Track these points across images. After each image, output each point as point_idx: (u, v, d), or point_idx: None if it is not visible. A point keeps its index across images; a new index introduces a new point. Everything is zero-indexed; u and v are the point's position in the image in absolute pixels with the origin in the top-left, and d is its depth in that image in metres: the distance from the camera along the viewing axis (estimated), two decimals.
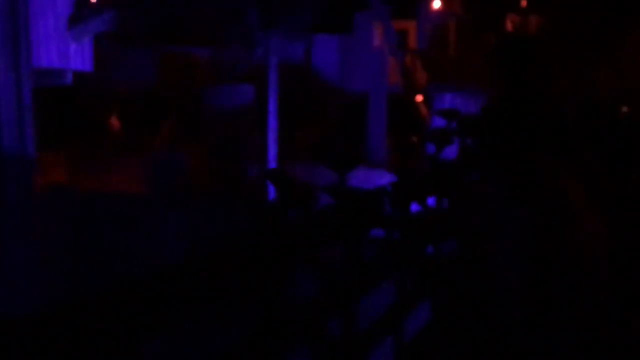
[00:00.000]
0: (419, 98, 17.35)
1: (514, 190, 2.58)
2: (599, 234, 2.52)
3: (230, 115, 13.01)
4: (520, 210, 2.54)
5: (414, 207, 7.40)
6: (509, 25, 16.08)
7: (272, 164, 10.60)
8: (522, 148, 2.66)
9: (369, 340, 5.12)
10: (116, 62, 14.47)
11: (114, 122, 16.62)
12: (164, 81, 16.43)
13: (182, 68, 16.79)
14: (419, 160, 11.15)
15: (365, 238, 6.20)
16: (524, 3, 16.25)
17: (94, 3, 9.32)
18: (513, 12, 16.21)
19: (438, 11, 17.69)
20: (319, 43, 18.63)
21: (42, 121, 12.83)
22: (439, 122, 12.93)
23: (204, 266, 5.18)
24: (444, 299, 6.44)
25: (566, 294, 2.49)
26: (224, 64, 16.27)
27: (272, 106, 10.88)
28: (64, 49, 9.37)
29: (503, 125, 2.58)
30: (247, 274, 5.27)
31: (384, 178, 9.38)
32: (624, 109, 9.84)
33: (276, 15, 15.04)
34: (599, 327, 2.43)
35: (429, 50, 17.06)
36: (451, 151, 9.21)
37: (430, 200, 7.49)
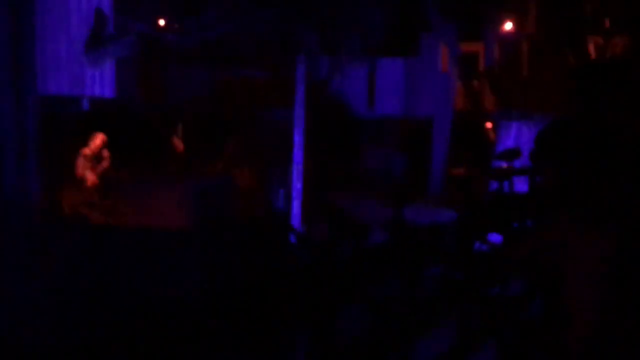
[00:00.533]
0: (488, 124, 17.10)
1: (593, 224, 2.48)
2: None
3: (283, 139, 13.11)
4: (600, 245, 2.45)
5: (477, 244, 7.28)
6: (591, 48, 15.59)
7: (296, 199, 9.91)
8: (601, 178, 2.56)
9: None
10: (173, 85, 14.86)
11: (177, 143, 17.03)
12: (224, 103, 16.80)
13: (242, 90, 17.15)
14: (482, 194, 10.92)
15: (424, 275, 6.12)
16: (607, 23, 15.70)
17: (113, 27, 9.36)
18: (595, 33, 15.71)
19: (509, 32, 17.47)
20: (383, 66, 18.67)
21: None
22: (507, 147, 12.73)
23: (246, 301, 5.23)
24: (510, 343, 6.27)
25: None
26: (282, 86, 16.53)
27: (298, 137, 10.12)
28: (79, 75, 9.40)
29: (582, 153, 2.48)
30: (296, 309, 5.29)
31: (443, 214, 9.15)
32: None
33: (337, 38, 15.18)
34: None
35: (498, 74, 16.82)
36: (522, 184, 9.02)
37: (495, 238, 7.35)
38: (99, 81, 9.98)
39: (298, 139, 9.94)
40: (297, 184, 9.71)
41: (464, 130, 16.48)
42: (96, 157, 13.39)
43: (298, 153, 9.82)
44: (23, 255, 6.01)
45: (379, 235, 6.79)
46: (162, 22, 17.07)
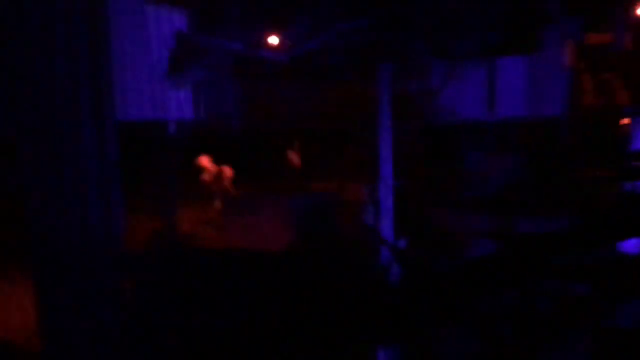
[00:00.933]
0: (622, 121, 15.78)
1: None
2: None
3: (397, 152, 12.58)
4: None
5: (606, 253, 6.46)
6: None
7: (386, 217, 8.89)
8: None
9: None
10: (278, 100, 14.85)
11: (294, 158, 17.07)
12: (336, 116, 16.63)
13: (352, 101, 16.89)
14: (613, 197, 9.93)
15: (537, 290, 5.45)
16: None
17: (194, 49, 9.19)
18: None
19: None
20: (503, 66, 17.80)
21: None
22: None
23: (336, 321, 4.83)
24: None
25: None
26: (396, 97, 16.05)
27: (385, 151, 9.13)
28: (162, 98, 9.36)
29: None
30: (389, 329, 4.84)
31: (567, 221, 8.24)
32: None
33: (449, 40, 14.53)
34: None
35: (631, 65, 15.50)
36: None
37: (630, 245, 6.51)
38: (184, 103, 10.04)
39: (385, 152, 9.15)
40: (386, 201, 8.93)
41: (593, 129, 15.34)
42: (216, 177, 13.95)
43: (386, 167, 9.01)
44: (109, 287, 6.01)
45: (486, 246, 6.21)
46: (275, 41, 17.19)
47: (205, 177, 14.24)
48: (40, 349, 6.42)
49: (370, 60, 11.20)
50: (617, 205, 9.19)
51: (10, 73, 6.62)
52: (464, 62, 16.07)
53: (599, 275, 5.70)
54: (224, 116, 10.82)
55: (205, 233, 13.50)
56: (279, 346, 5.35)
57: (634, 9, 16.07)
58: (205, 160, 14.19)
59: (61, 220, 6.28)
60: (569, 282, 5.72)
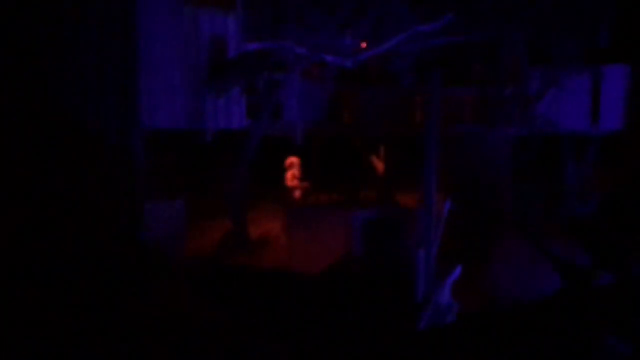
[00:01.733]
0: None
1: None
2: None
3: (482, 162, 11.84)
4: None
5: None
6: None
7: (425, 247, 7.86)
8: None
9: None
10: (356, 103, 14.41)
11: (378, 164, 16.59)
12: (418, 121, 15.97)
13: (445, 108, 16.15)
14: None
15: None
16: None
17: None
18: None
19: None
20: (609, 74, 16.49)
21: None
22: None
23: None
24: None
25: None
26: (489, 103, 15.20)
27: (428, 173, 8.01)
28: (197, 108, 9.03)
29: None
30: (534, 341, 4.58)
31: None
32: None
33: (551, 45, 13.57)
34: None
35: None
36: None
37: None
38: (232, 111, 9.73)
39: (428, 174, 8.10)
40: (426, 229, 7.92)
41: None
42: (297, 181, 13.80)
43: (428, 190, 7.96)
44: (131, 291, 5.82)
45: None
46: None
47: (288, 180, 14.13)
48: None
49: (452, 64, 10.45)
50: None
51: (40, 78, 6.56)
52: (566, 68, 14.95)
53: None
54: (287, 123, 10.45)
55: (278, 240, 13.24)
56: None
57: None
58: (291, 162, 14.07)
59: (86, 225, 6.14)
60: None
